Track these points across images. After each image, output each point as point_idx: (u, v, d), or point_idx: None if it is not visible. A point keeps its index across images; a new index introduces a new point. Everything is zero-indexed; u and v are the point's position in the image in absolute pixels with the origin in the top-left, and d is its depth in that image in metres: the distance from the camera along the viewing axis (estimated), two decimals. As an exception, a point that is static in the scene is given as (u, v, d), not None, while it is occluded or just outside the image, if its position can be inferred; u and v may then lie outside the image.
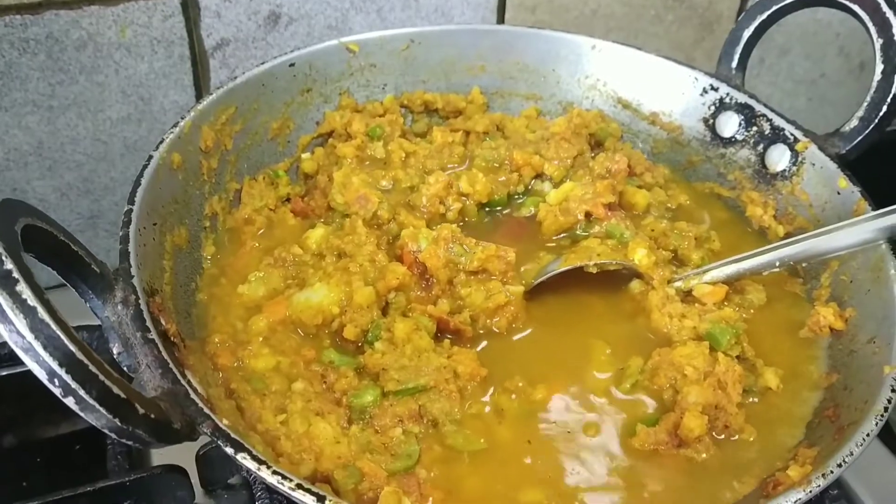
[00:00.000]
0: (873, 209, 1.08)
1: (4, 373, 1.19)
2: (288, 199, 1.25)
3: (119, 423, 0.70)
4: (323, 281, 1.05)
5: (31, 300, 0.66)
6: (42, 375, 0.67)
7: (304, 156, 1.29)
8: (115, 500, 1.01)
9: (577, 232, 1.19)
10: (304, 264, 1.11)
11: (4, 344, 1.14)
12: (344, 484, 0.86)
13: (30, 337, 0.66)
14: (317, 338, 1.03)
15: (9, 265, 0.67)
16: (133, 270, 0.88)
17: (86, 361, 0.68)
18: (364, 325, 1.02)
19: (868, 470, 1.18)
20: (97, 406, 0.68)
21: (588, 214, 1.19)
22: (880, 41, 1.12)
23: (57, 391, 0.67)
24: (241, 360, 0.97)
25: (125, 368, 0.84)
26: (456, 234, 1.10)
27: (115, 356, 0.84)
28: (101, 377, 0.68)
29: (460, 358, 1.00)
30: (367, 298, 1.03)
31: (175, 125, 1.09)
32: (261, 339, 1.01)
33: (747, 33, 1.26)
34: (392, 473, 0.88)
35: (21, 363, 1.13)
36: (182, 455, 1.05)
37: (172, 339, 0.88)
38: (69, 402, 0.68)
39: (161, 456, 1.12)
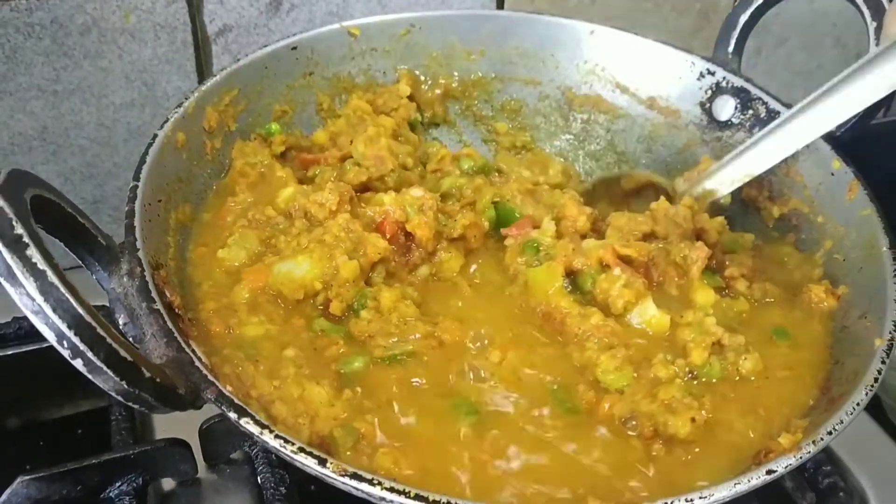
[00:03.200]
0: (866, 190, 1.09)
1: (10, 352, 1.20)
2: (283, 155, 1.24)
3: (126, 386, 0.72)
4: (304, 254, 1.02)
5: (41, 264, 0.68)
6: (51, 337, 0.69)
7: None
8: (120, 473, 1.02)
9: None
10: (277, 226, 1.09)
11: (9, 323, 1.19)
12: (343, 443, 0.86)
13: (39, 299, 0.67)
14: (300, 307, 1.02)
15: (19, 230, 0.69)
16: (139, 244, 0.90)
17: (94, 324, 0.69)
18: (350, 300, 1.02)
19: (861, 447, 1.20)
20: (105, 368, 0.70)
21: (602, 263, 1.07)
22: (874, 24, 1.13)
23: (66, 353, 0.69)
24: (231, 329, 0.96)
25: (130, 339, 0.85)
26: (438, 203, 1.11)
27: (120, 327, 0.86)
28: (109, 340, 0.70)
29: (445, 326, 1.01)
30: (352, 272, 1.02)
31: (179, 105, 1.10)
32: (247, 308, 0.99)
33: (744, 18, 1.28)
34: (389, 436, 0.89)
35: (25, 342, 1.17)
36: (185, 429, 1.07)
37: (177, 310, 0.89)
38: (77, 364, 0.69)
39: (164, 430, 1.14)
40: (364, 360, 0.96)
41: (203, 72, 1.44)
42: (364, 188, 1.18)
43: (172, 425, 1.10)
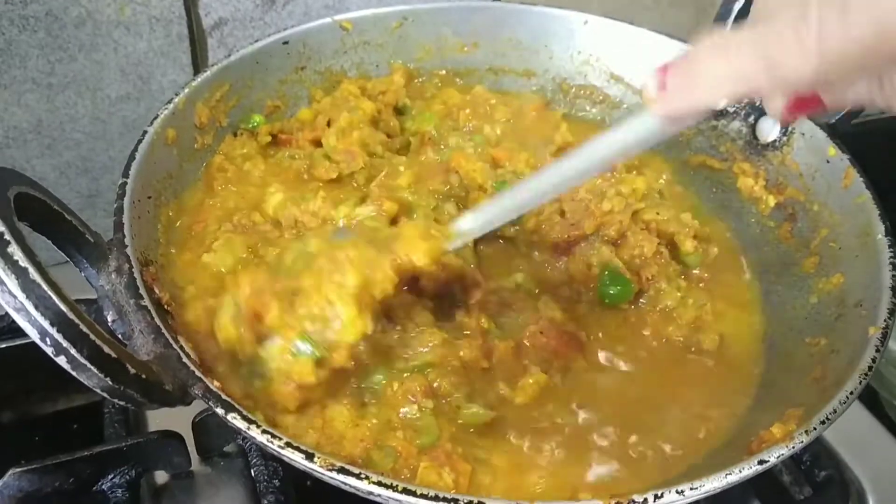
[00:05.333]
0: (862, 177, 1.09)
1: (3, 346, 1.20)
2: (273, 145, 1.23)
3: (110, 383, 0.72)
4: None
5: (23, 261, 0.68)
6: (34, 335, 0.69)
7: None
8: (112, 465, 1.03)
9: None
10: (264, 234, 1.07)
11: (2, 317, 1.19)
12: (383, 465, 0.84)
13: (21, 297, 0.68)
14: None
15: (0, 227, 0.69)
16: (127, 240, 0.90)
17: (77, 321, 0.69)
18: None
19: (858, 442, 1.20)
20: (88, 365, 0.70)
21: None
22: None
23: (49, 350, 0.69)
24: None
25: (119, 336, 0.85)
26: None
27: (109, 324, 0.86)
28: (92, 337, 0.70)
29: (463, 343, 0.97)
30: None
31: (169, 101, 1.10)
32: None
33: (737, 6, 1.27)
34: (421, 450, 0.87)
35: (19, 336, 1.18)
36: (178, 422, 1.07)
37: (166, 307, 0.89)
38: (61, 361, 0.70)
39: (157, 422, 1.13)
40: (385, 371, 0.93)
41: (198, 65, 1.43)
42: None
43: (166, 418, 1.10)
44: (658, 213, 1.15)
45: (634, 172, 1.21)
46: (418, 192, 1.10)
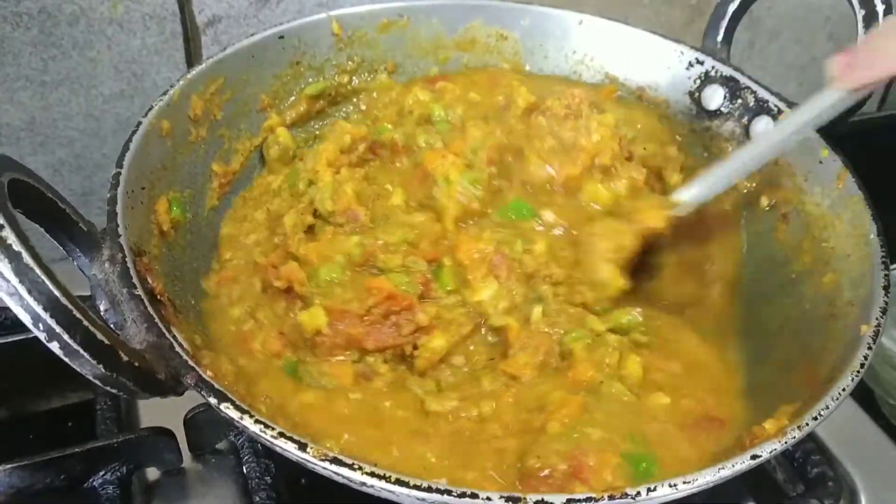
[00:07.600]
0: (855, 177, 1.09)
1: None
2: None
3: (103, 370, 0.71)
4: None
5: (17, 245, 0.67)
6: (27, 320, 0.68)
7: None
8: (104, 462, 1.02)
9: None
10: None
11: None
12: None
13: (14, 281, 0.67)
14: None
15: (-7, 212, 0.68)
16: (120, 230, 0.89)
17: (70, 307, 0.69)
18: None
19: (851, 438, 1.20)
20: (81, 351, 0.69)
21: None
22: (862, 12, 1.14)
23: (42, 335, 0.68)
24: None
25: (111, 326, 0.85)
26: None
27: (102, 313, 0.85)
28: (86, 323, 0.70)
29: None
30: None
31: (164, 93, 1.09)
32: None
33: (732, 7, 1.28)
34: None
35: (12, 333, 1.17)
36: (170, 418, 1.07)
37: (159, 297, 0.89)
38: (54, 346, 0.69)
39: (149, 419, 1.13)
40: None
41: (192, 63, 1.43)
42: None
43: (157, 414, 1.10)
44: (645, 148, 1.24)
45: (596, 111, 1.23)
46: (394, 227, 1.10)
